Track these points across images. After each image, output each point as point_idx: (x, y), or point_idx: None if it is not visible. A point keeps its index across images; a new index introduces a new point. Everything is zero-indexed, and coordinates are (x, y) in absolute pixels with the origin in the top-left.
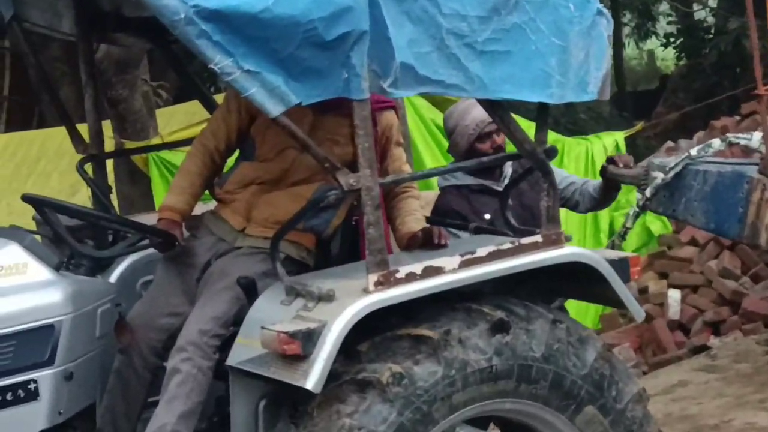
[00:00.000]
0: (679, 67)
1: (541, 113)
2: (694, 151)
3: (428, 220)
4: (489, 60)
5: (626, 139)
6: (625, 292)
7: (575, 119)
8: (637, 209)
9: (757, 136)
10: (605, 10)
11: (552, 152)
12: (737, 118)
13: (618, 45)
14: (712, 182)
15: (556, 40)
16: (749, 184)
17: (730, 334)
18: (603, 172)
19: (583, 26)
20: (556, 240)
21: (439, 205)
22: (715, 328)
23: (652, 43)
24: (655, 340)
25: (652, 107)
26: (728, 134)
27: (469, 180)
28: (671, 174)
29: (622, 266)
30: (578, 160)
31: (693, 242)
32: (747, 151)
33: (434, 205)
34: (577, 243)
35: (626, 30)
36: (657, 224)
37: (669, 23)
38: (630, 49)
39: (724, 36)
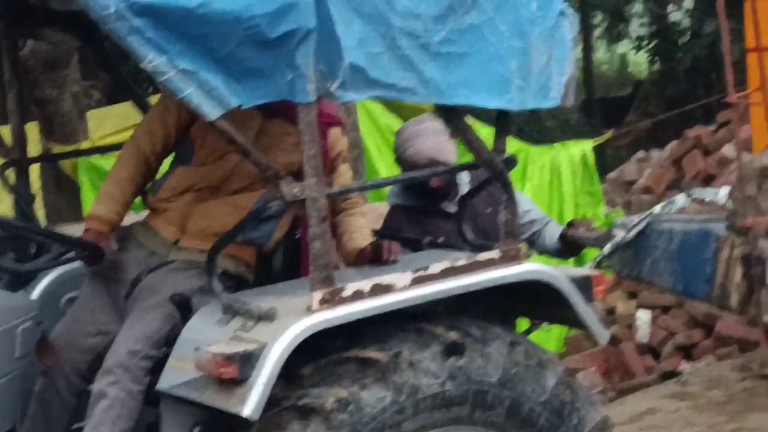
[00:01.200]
0: (651, 73)
1: (501, 120)
2: (657, 209)
3: (379, 233)
4: (444, 62)
5: (594, 148)
6: (587, 312)
7: (541, 127)
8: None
9: (723, 191)
10: (569, 11)
11: (511, 162)
12: (712, 127)
13: (588, 48)
14: (678, 241)
15: (517, 41)
16: (717, 243)
17: (702, 358)
18: (563, 235)
19: (545, 27)
20: (514, 256)
21: (387, 225)
22: (687, 352)
23: (623, 46)
24: (622, 365)
25: (624, 115)
26: (692, 190)
27: (421, 201)
28: (633, 232)
29: (585, 285)
30: (543, 170)
31: None
32: (712, 206)
33: (383, 224)
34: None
35: (597, 32)
36: None
37: (642, 25)
38: (600, 53)
39: (699, 40)
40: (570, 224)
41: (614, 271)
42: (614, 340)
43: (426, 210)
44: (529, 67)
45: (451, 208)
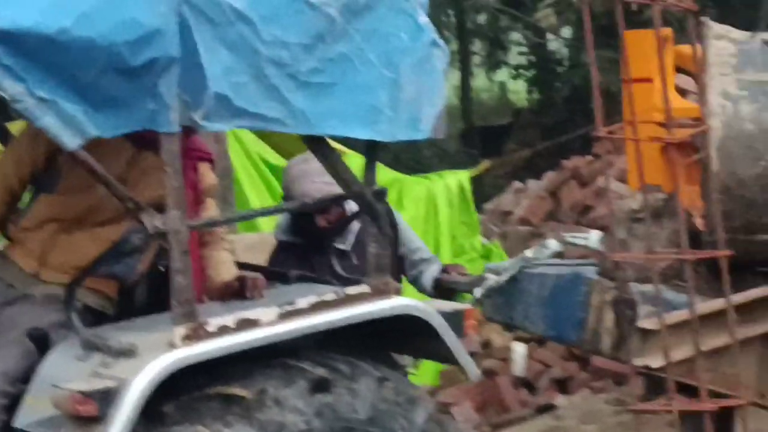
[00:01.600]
0: (530, 101)
1: (370, 151)
2: (530, 253)
3: (247, 266)
4: (313, 92)
5: (472, 178)
6: (458, 347)
7: (418, 156)
8: None
9: (595, 236)
10: (441, 42)
11: (382, 194)
12: (589, 158)
13: (466, 76)
14: (549, 286)
15: (387, 72)
16: (588, 287)
17: (578, 392)
18: (438, 282)
19: (415, 58)
20: (384, 290)
21: (273, 261)
22: (562, 385)
23: (503, 74)
24: (498, 399)
25: (503, 143)
26: (565, 234)
27: (310, 238)
28: (505, 277)
29: (455, 319)
30: (418, 201)
31: None
32: (584, 250)
33: (269, 260)
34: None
35: (476, 60)
36: None
37: (520, 54)
38: (480, 81)
39: (578, 69)
40: (444, 269)
41: (486, 316)
42: (490, 374)
43: (315, 248)
44: (400, 98)
45: (345, 245)
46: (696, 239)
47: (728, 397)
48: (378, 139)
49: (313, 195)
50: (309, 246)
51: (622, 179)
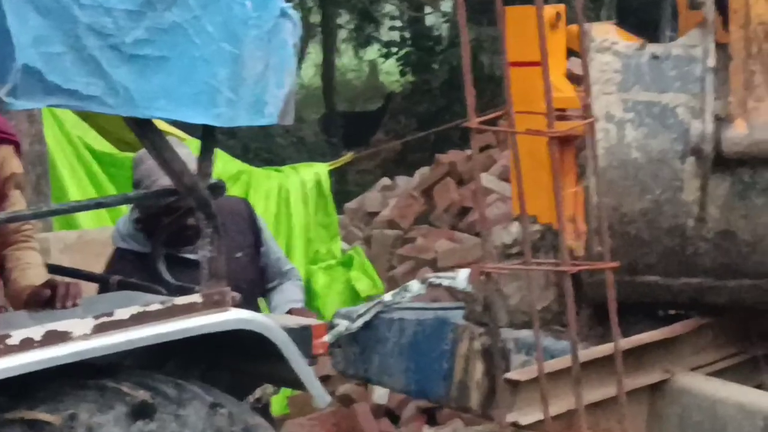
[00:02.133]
0: (404, 85)
1: (207, 137)
2: (388, 297)
3: (61, 270)
4: (139, 67)
5: (332, 172)
6: (304, 369)
7: (270, 145)
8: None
9: (463, 275)
10: (292, 12)
11: (219, 188)
12: (469, 152)
13: (331, 53)
14: (410, 333)
15: (228, 46)
16: (454, 334)
17: (448, 423)
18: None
19: (262, 30)
20: (219, 301)
21: (111, 270)
22: (430, 415)
23: (373, 52)
24: (355, 429)
25: (371, 133)
26: (428, 275)
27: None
28: (359, 323)
29: (302, 336)
30: (269, 197)
31: None
32: (452, 292)
33: (106, 268)
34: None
35: (342, 34)
36: (364, 282)
37: (393, 29)
38: (347, 59)
39: (458, 48)
40: (290, 311)
41: (337, 369)
42: (346, 400)
43: (161, 257)
44: (242, 77)
45: (194, 253)
46: (578, 280)
47: None
48: (216, 123)
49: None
50: (152, 257)
51: (506, 177)
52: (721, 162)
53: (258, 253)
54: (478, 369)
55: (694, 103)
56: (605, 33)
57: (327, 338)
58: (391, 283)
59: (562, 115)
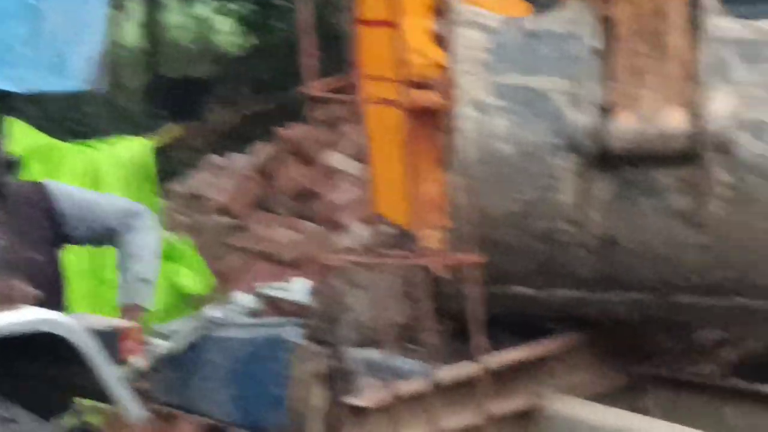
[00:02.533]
0: (242, 48)
1: (1, 105)
2: (213, 312)
3: None
4: None
5: (156, 149)
6: (111, 378)
7: (83, 115)
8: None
9: (299, 285)
10: None
11: (12, 165)
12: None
13: (155, 8)
14: (238, 354)
15: None
16: (289, 354)
17: None
18: None
19: None
20: (9, 297)
21: None
22: None
23: (205, 7)
24: None
25: (202, 104)
26: (259, 285)
27: None
28: (182, 343)
29: (108, 340)
30: (75, 177)
31: None
32: (286, 306)
33: None
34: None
35: None
36: (191, 278)
37: None
38: (175, 15)
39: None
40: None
41: (152, 396)
42: (172, 415)
43: None
44: (41, 33)
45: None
46: (438, 292)
47: None
48: (9, 88)
49: None
50: None
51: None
52: (604, 159)
53: (59, 249)
54: (318, 395)
55: (573, 89)
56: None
57: (144, 363)
58: (223, 280)
59: (423, 84)
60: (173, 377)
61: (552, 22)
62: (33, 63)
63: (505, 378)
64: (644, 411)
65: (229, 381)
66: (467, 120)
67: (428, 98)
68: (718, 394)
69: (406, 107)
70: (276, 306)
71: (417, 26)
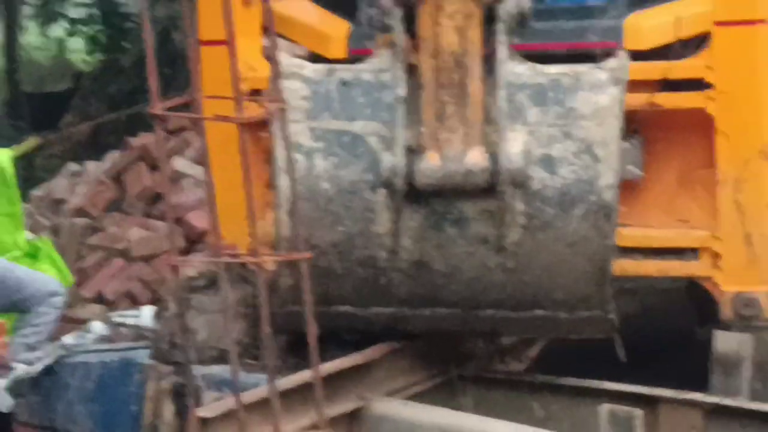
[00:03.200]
0: (93, 65)
1: None
2: (70, 339)
3: None
4: None
5: (17, 158)
6: None
7: None
8: None
9: (147, 311)
10: None
11: None
12: (164, 134)
13: (14, 30)
14: (95, 377)
15: None
16: (141, 374)
17: None
18: None
19: None
20: None
21: None
22: None
23: (60, 29)
24: None
25: (59, 116)
26: (111, 314)
27: None
28: (39, 367)
29: None
30: None
31: (100, 299)
32: (137, 330)
33: None
34: None
35: (26, 10)
36: (53, 274)
37: (80, 5)
38: (34, 36)
39: (151, 26)
40: None
41: (21, 420)
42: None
43: None
44: None
45: None
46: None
47: None
48: None
49: None
50: None
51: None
52: (414, 194)
53: None
54: (168, 409)
55: (385, 133)
56: (293, 54)
57: (4, 385)
58: (81, 276)
59: (256, 99)
60: (36, 400)
61: (364, 71)
62: None
63: (335, 383)
64: (460, 408)
65: (88, 401)
66: (290, 163)
67: (259, 111)
68: (524, 389)
69: (240, 122)
70: (126, 332)
71: (250, 45)
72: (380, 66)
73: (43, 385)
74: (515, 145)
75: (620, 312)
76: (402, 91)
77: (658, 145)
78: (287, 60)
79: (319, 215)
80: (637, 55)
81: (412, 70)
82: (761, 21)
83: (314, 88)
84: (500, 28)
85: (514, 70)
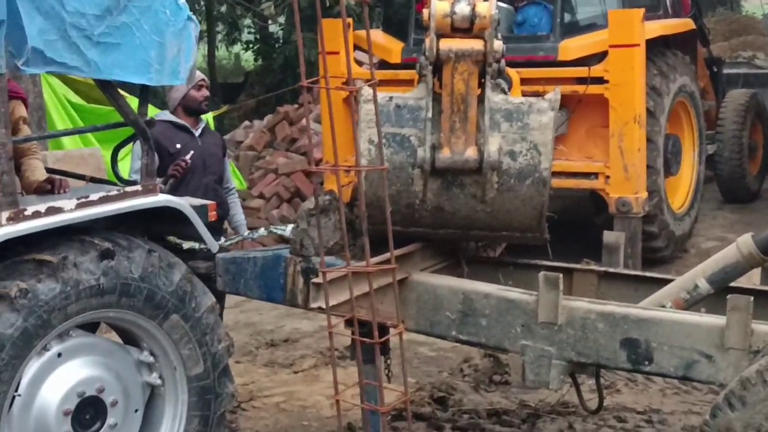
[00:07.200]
0: (256, 66)
1: (143, 93)
2: (255, 234)
3: (55, 171)
4: (103, 49)
5: (215, 117)
6: (202, 228)
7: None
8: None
9: (290, 227)
10: (194, 17)
11: (151, 123)
12: (296, 106)
13: (212, 48)
14: (260, 264)
15: (156, 37)
16: (285, 263)
17: None
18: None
19: (176, 28)
20: (152, 190)
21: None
22: None
23: (237, 47)
24: None
25: (237, 95)
26: (271, 226)
27: (175, 119)
28: (254, 235)
29: (202, 210)
30: None
31: (261, 196)
32: (283, 239)
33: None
34: None
35: (219, 37)
36: (236, 181)
37: (249, 33)
38: (221, 52)
39: (289, 45)
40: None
41: (221, 289)
42: None
43: (179, 126)
44: (165, 55)
45: (196, 130)
46: (353, 225)
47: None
48: (148, 83)
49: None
50: (175, 125)
51: (318, 120)
52: (435, 171)
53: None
54: (300, 281)
55: (420, 135)
56: (369, 89)
57: (226, 242)
58: (251, 183)
59: (345, 88)
60: (229, 278)
61: (409, 99)
62: (159, 71)
63: (398, 261)
64: (461, 277)
65: (257, 278)
66: (367, 150)
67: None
68: (497, 266)
69: (351, 89)
70: (277, 237)
71: (349, 54)
72: (418, 96)
73: (231, 268)
74: (493, 145)
75: (550, 209)
76: (430, 113)
77: (576, 114)
78: (366, 91)
79: (381, 180)
80: (567, 63)
81: (436, 99)
82: (636, 45)
83: (380, 108)
84: (488, 77)
85: (495, 99)
